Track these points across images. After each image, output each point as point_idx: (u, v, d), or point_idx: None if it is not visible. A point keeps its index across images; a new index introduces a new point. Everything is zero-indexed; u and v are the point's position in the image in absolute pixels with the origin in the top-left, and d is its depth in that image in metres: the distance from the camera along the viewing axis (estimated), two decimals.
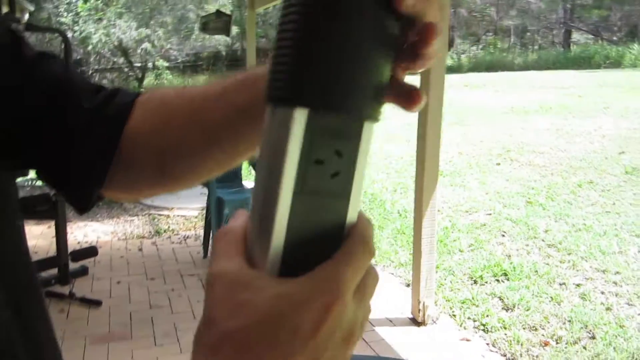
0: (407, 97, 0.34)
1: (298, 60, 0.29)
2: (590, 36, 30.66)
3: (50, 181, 0.60)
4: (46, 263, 4.05)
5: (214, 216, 4.33)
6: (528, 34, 32.53)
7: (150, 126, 0.59)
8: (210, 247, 4.07)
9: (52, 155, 0.58)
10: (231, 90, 0.55)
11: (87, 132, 0.58)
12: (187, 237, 5.15)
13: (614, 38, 28.44)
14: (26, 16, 7.74)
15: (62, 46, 4.19)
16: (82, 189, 0.59)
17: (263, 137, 0.32)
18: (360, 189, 0.31)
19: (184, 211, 5.93)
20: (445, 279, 3.99)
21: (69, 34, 18.62)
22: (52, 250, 4.19)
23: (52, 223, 3.99)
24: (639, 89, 12.67)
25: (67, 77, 0.60)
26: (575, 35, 31.61)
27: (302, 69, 0.29)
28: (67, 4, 18.34)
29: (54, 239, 3.95)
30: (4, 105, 0.54)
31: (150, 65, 22.17)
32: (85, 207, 0.60)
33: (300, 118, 0.29)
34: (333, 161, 0.30)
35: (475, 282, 3.94)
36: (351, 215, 0.31)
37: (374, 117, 0.31)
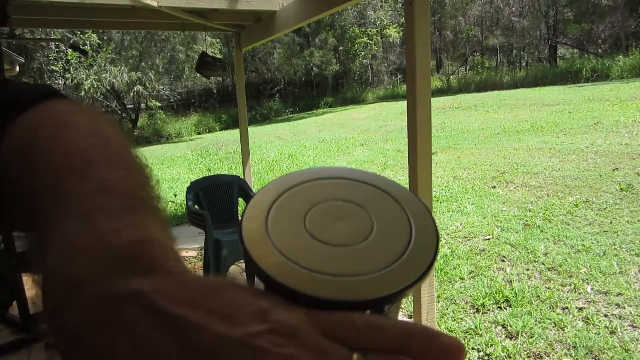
0: None
1: None
2: (576, 50, 31.10)
3: None
4: None
5: (212, 258, 4.33)
6: (514, 51, 32.97)
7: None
8: None
9: None
10: None
11: None
12: None
13: (599, 50, 28.83)
14: (17, 68, 7.82)
15: None
16: None
17: None
18: None
19: (182, 252, 5.93)
20: (447, 309, 3.97)
21: (61, 82, 18.87)
22: None
23: None
24: (627, 102, 12.80)
25: None
26: (561, 50, 32.08)
27: None
28: (57, 52, 18.57)
29: None
30: None
31: (143, 106, 22.35)
32: None
33: None
34: None
35: (477, 310, 3.92)
36: None
37: None
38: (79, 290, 0.23)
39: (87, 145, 0.33)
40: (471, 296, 4.12)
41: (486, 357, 3.26)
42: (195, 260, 5.61)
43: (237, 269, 5.11)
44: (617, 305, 3.71)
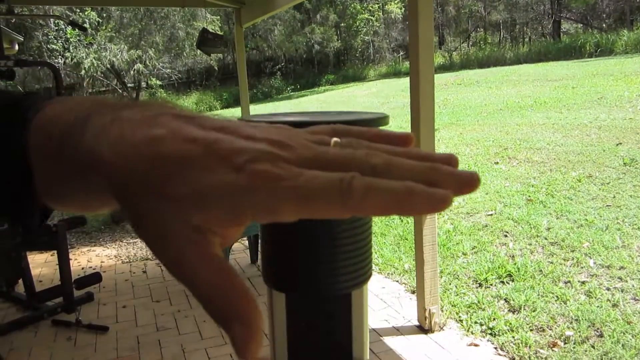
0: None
1: (272, 255, 0.33)
2: (580, 25, 30.74)
3: None
4: (51, 292, 4.05)
5: None
6: (517, 27, 32.61)
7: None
8: None
9: None
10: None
11: None
12: None
13: (604, 25, 28.49)
14: (16, 47, 7.74)
15: (53, 78, 4.21)
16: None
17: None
18: (363, 335, 0.33)
19: None
20: (450, 284, 3.99)
21: (60, 60, 18.75)
22: (57, 278, 4.19)
23: (55, 252, 3.98)
24: (631, 77, 12.69)
25: None
26: (565, 25, 31.70)
27: (277, 261, 0.32)
28: (57, 30, 18.41)
29: (58, 267, 3.94)
30: None
31: (143, 84, 22.25)
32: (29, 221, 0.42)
33: (280, 297, 0.31)
34: (324, 323, 0.31)
35: (480, 285, 3.94)
36: (357, 354, 0.32)
37: (361, 283, 0.32)
38: (118, 122, 0.30)
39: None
40: (474, 271, 4.14)
41: (489, 331, 3.28)
42: None
43: (240, 246, 5.13)
44: (620, 278, 3.72)
